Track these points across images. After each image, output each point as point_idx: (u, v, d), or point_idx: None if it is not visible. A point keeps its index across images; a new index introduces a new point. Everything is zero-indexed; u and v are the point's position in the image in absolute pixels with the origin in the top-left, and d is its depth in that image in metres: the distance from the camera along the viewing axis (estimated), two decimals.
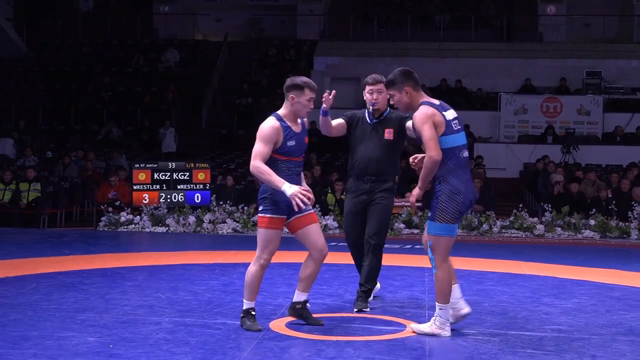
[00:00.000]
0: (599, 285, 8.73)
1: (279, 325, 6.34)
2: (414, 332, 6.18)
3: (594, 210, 14.51)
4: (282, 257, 10.68)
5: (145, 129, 23.22)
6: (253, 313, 6.22)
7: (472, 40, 26.73)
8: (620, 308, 7.36)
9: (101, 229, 14.44)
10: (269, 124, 6.18)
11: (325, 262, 10.06)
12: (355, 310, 6.97)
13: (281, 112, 6.29)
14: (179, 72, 26.11)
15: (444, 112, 6.14)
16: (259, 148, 6.10)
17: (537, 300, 7.71)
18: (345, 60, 26.20)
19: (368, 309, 7.03)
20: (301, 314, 6.41)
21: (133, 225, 14.44)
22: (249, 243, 12.65)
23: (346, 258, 10.54)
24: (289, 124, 6.22)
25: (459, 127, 6.22)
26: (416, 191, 6.16)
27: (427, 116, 6.07)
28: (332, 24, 28.17)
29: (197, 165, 15.35)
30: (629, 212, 14.29)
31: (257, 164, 6.06)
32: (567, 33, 27.98)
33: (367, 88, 7.21)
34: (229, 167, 20.20)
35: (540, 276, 9.26)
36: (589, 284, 8.86)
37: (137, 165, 15.22)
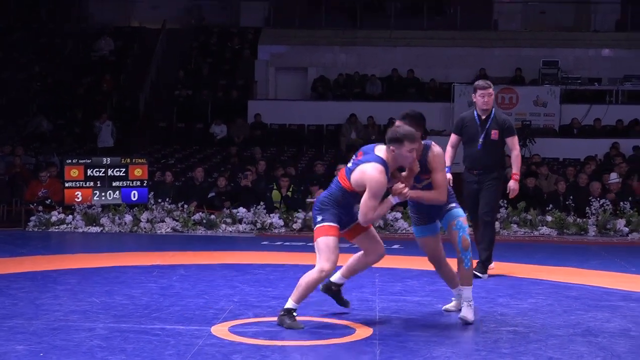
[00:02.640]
0: (555, 285, 8.84)
1: (221, 330, 6.31)
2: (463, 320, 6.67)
3: (550, 205, 14.69)
4: (224, 258, 10.67)
5: (78, 122, 22.96)
6: (295, 314, 6.39)
7: (425, 29, 26.83)
8: (578, 308, 7.46)
9: (30, 230, 14.24)
10: (379, 178, 6.27)
11: (270, 262, 10.15)
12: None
13: (384, 155, 6.37)
14: (114, 62, 25.86)
15: None
16: (371, 204, 6.29)
17: (492, 300, 7.78)
18: (291, 49, 26.17)
19: (484, 277, 9.04)
20: (334, 294, 6.95)
21: (65, 225, 14.26)
22: (189, 243, 12.60)
23: (292, 258, 10.57)
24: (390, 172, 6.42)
25: None
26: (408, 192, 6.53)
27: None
28: (278, 11, 28.09)
29: (133, 160, 15.20)
30: (587, 208, 14.48)
31: (370, 217, 6.37)
32: (522, 21, 28.26)
33: (479, 92, 9.06)
34: (168, 163, 20.07)
35: (496, 275, 9.34)
36: (546, 283, 8.97)
37: (69, 161, 15.01)
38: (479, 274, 8.95)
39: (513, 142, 9.16)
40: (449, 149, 9.21)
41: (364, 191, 6.28)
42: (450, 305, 7.17)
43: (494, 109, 9.18)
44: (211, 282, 8.57)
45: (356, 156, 6.50)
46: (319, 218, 6.46)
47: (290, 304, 6.41)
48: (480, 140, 9.10)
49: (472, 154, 9.20)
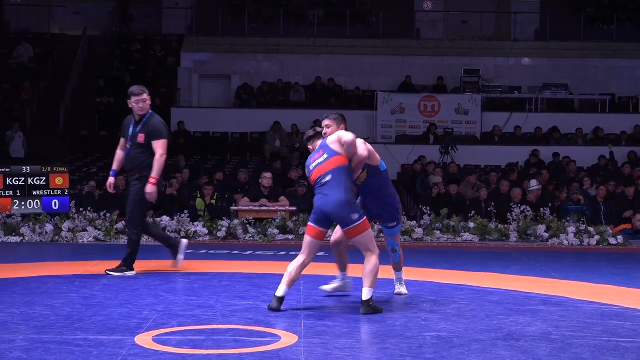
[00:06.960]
0: (478, 290, 8.96)
1: (145, 339, 6.25)
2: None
3: (473, 212, 14.88)
4: (147, 266, 10.57)
5: None
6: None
7: (347, 37, 27.05)
8: (500, 312, 7.58)
9: None
10: None
11: (194, 271, 10.08)
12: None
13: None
14: (34, 69, 25.48)
15: None
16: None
17: (416, 306, 7.85)
18: (214, 57, 26.12)
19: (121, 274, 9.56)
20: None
21: None
22: (112, 252, 12.43)
23: (217, 267, 10.53)
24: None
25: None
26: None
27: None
28: (201, 18, 28.02)
29: (54, 169, 14.97)
30: (508, 214, 14.71)
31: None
32: (444, 30, 28.65)
33: (133, 99, 9.53)
34: (90, 171, 19.83)
35: (419, 281, 9.43)
36: (469, 288, 9.09)
37: None
38: (113, 273, 9.59)
39: (156, 146, 9.45)
40: (118, 151, 9.76)
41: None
42: (328, 287, 8.35)
43: (149, 113, 9.61)
44: (135, 291, 8.48)
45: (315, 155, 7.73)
46: (356, 216, 7.36)
47: (368, 292, 7.34)
48: (130, 143, 9.56)
49: (127, 156, 9.62)
